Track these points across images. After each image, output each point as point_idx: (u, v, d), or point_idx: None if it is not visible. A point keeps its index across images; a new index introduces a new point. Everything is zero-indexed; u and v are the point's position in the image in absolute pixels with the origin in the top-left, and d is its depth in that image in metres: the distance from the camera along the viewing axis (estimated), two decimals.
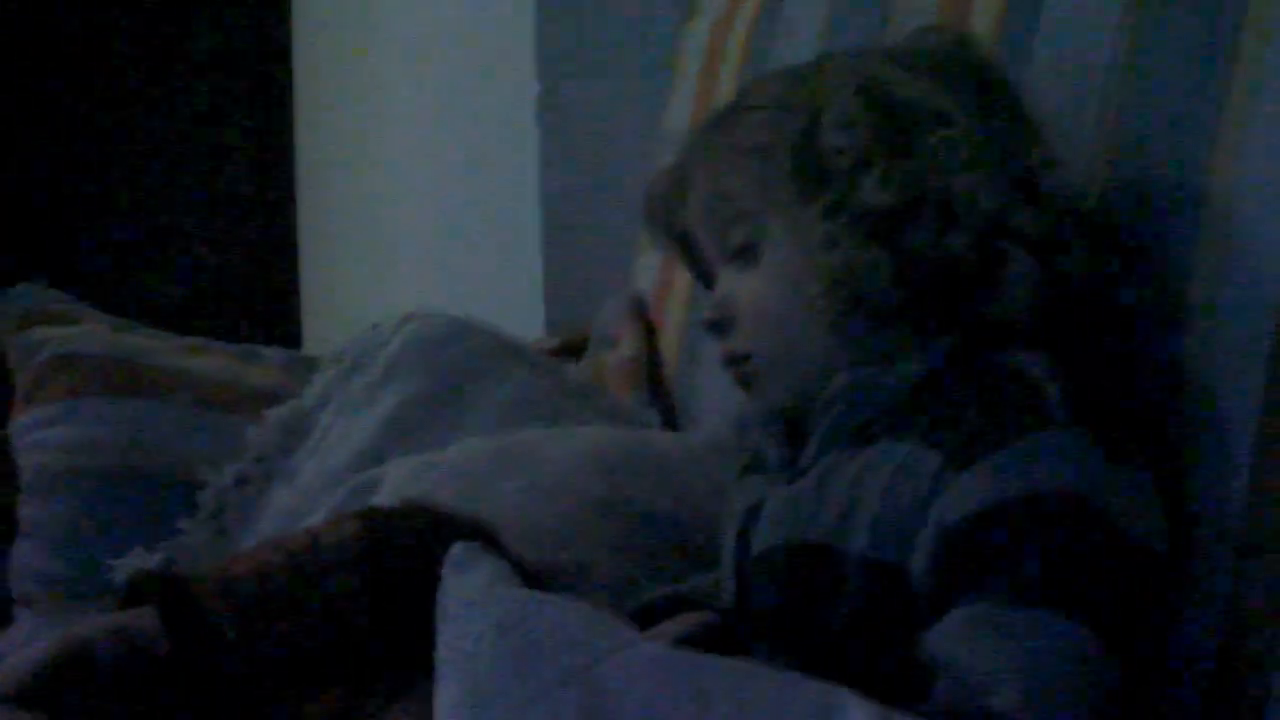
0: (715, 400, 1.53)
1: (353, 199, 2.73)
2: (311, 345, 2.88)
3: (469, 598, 0.84)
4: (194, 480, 1.45)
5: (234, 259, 3.05)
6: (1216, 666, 0.99)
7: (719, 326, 1.08)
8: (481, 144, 2.26)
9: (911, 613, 0.97)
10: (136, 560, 1.40)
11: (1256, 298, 1.00)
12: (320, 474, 1.42)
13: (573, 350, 1.72)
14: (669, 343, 1.62)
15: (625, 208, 1.77)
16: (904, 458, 0.98)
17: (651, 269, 1.67)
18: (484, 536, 1.11)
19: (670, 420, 1.57)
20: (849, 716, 0.83)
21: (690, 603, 1.14)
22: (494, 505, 1.21)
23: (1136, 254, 1.06)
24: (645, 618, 1.12)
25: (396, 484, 1.27)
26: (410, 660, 1.05)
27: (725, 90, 1.57)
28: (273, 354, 1.57)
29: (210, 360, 1.54)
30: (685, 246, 1.13)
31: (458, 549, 0.87)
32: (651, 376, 1.61)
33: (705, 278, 1.13)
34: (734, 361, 1.08)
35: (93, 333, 1.53)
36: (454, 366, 1.46)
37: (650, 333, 1.64)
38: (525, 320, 1.99)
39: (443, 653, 0.83)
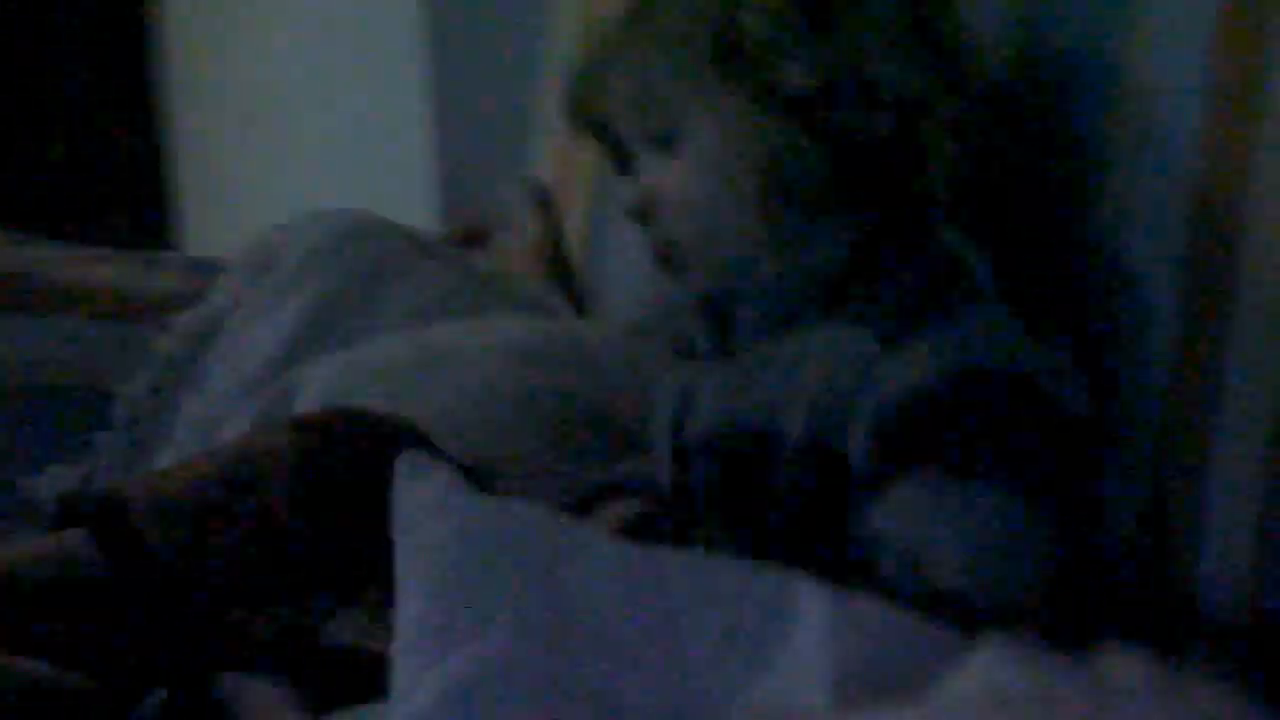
0: (623, 285, 1.53)
1: (227, 90, 2.66)
2: (194, 248, 2.81)
3: (426, 506, 0.84)
4: (104, 392, 1.43)
5: (97, 161, 2.96)
6: (1140, 532, 1.02)
7: (643, 215, 1.08)
8: (363, 32, 2.22)
9: (850, 492, 0.99)
10: (54, 478, 1.37)
11: (1171, 170, 1.02)
12: (233, 379, 1.40)
13: (474, 239, 1.71)
14: (572, 228, 1.61)
15: (515, 92, 1.76)
16: (837, 339, 0.99)
17: (549, 155, 1.66)
18: (417, 439, 1.11)
19: (578, 306, 1.57)
20: (804, 601, 0.84)
21: (623, 489, 1.16)
22: (421, 406, 1.21)
23: (1052, 130, 1.07)
24: (580, 508, 1.13)
25: (320, 387, 1.26)
26: (350, 569, 1.06)
27: None
28: (175, 259, 1.55)
29: (110, 269, 1.51)
30: (604, 135, 1.12)
31: (407, 457, 0.87)
32: (556, 262, 1.60)
33: (624, 166, 1.13)
34: (659, 248, 1.08)
35: None
36: (363, 264, 1.45)
37: (552, 218, 1.63)
38: (418, 212, 1.96)
39: (403, 563, 0.83)
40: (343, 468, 1.08)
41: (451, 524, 0.83)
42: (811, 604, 0.84)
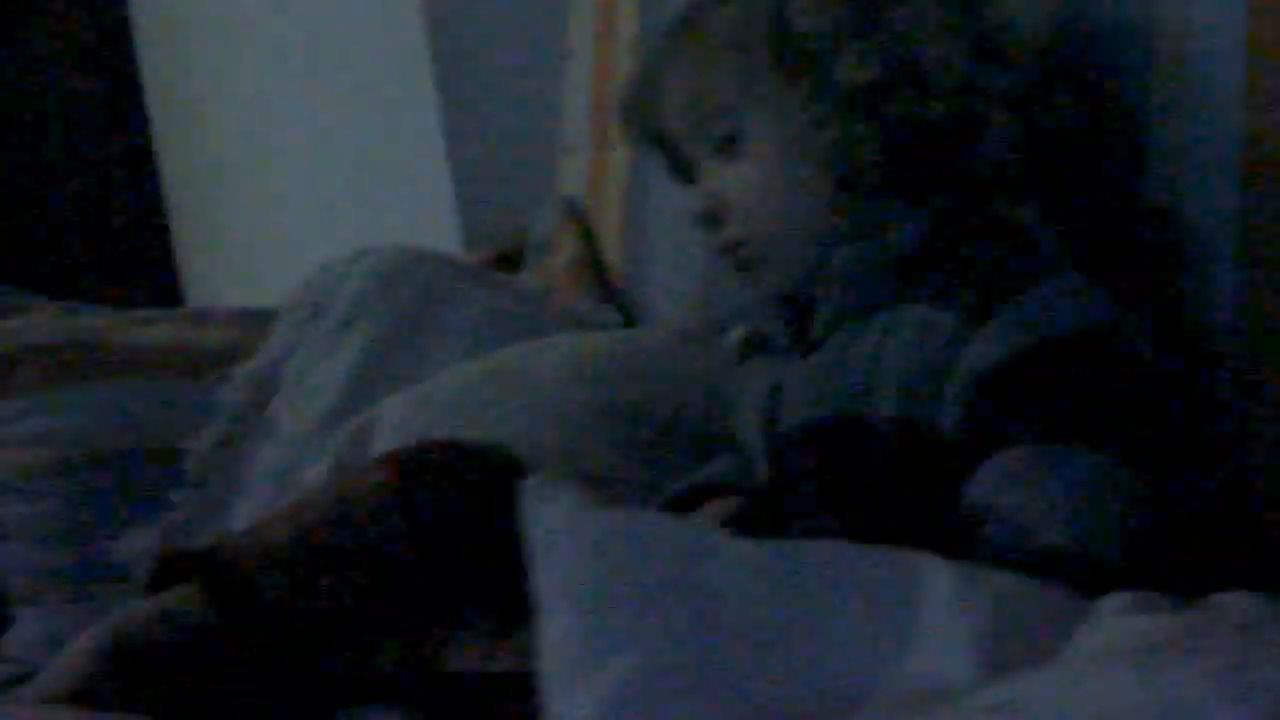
0: (667, 294, 1.55)
1: (224, 137, 2.66)
2: (196, 298, 2.81)
3: (559, 525, 0.85)
4: (174, 451, 1.44)
5: (94, 217, 2.96)
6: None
7: (711, 219, 1.10)
8: (368, 63, 2.21)
9: (945, 469, 1.01)
10: (137, 540, 1.39)
11: (1218, 126, 1.04)
12: (301, 424, 1.42)
13: (507, 262, 1.73)
14: (609, 242, 1.63)
15: (532, 111, 1.78)
16: (920, 320, 1.01)
17: (579, 171, 1.67)
18: (507, 462, 1.13)
19: (626, 318, 1.59)
20: (928, 576, 0.86)
21: (710, 491, 1.18)
22: (497, 430, 1.23)
23: (1099, 97, 1.10)
24: (675, 512, 1.15)
25: (396, 423, 1.28)
26: (462, 596, 1.07)
27: None
28: (221, 312, 1.56)
29: (162, 329, 1.52)
30: (662, 145, 1.14)
31: (533, 481, 0.88)
32: (597, 277, 1.62)
33: (681, 173, 1.15)
34: (729, 250, 1.11)
35: (42, 321, 1.50)
36: (413, 296, 1.47)
37: (588, 234, 1.65)
38: (438, 240, 1.98)
39: (543, 585, 0.84)
40: (445, 498, 1.09)
41: (587, 539, 0.84)
42: (936, 579, 0.86)
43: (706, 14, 1.09)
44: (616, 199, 1.61)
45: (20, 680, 1.35)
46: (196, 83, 2.68)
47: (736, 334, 1.20)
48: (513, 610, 1.05)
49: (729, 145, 1.08)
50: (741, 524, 1.08)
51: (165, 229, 2.95)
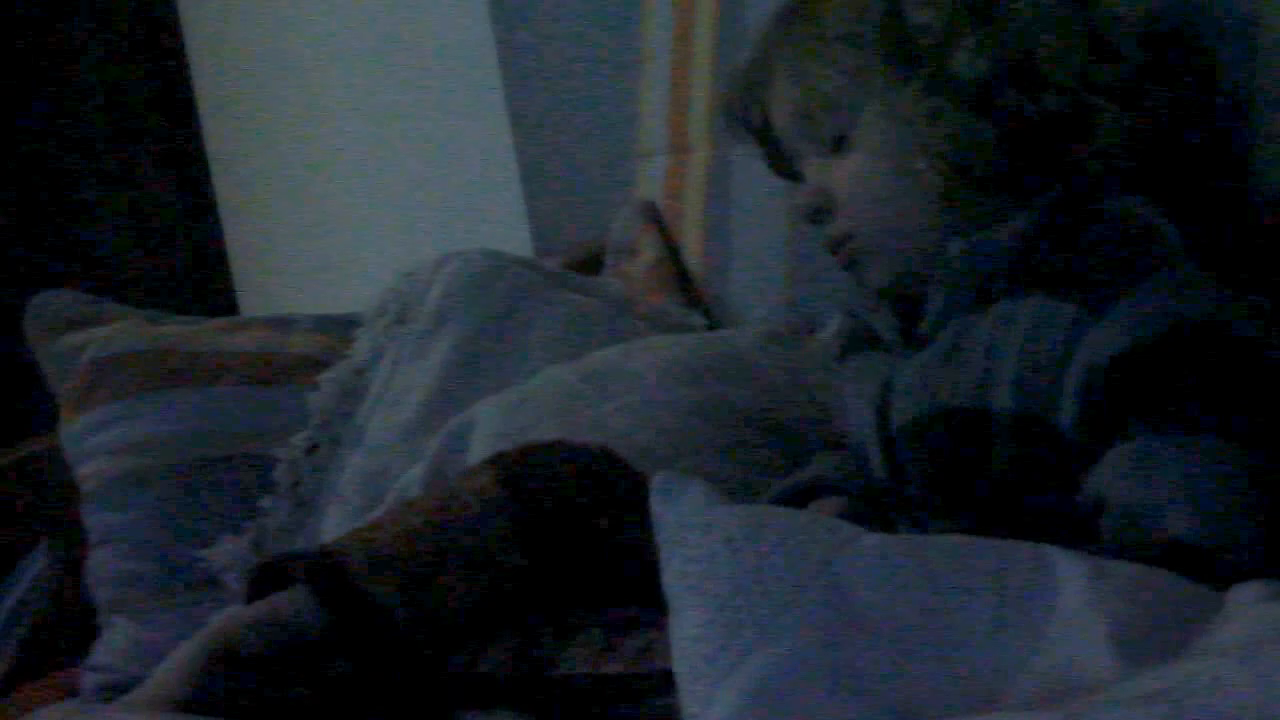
0: (750, 295, 1.55)
1: (279, 145, 2.64)
2: (249, 308, 2.80)
3: (689, 522, 0.85)
4: (263, 457, 1.44)
5: (150, 229, 2.96)
6: None
7: (819, 213, 1.10)
8: (432, 66, 2.19)
9: (1063, 461, 1.00)
10: (228, 547, 1.39)
11: None
12: (390, 430, 1.41)
13: (585, 266, 1.72)
14: (690, 244, 1.63)
15: (600, 116, 1.77)
16: (1037, 313, 1.00)
17: (658, 173, 1.67)
18: (610, 464, 1.12)
19: (709, 320, 1.58)
20: (1061, 570, 0.85)
21: (813, 491, 1.17)
22: (596, 432, 1.22)
23: (1206, 87, 1.09)
24: None
25: (492, 427, 1.27)
26: (572, 598, 1.07)
27: None
28: (304, 319, 1.56)
29: (247, 335, 1.52)
30: (765, 140, 1.14)
31: (661, 478, 0.88)
32: (679, 279, 1.62)
33: (788, 169, 1.15)
34: (837, 245, 1.10)
35: (128, 330, 1.50)
36: (499, 301, 1.46)
37: (668, 236, 1.65)
38: (509, 248, 1.97)
39: (674, 581, 0.84)
40: (547, 499, 1.09)
41: (718, 535, 0.84)
42: (1069, 572, 0.85)
43: (815, 6, 1.08)
44: (696, 201, 1.61)
45: (110, 689, 1.35)
46: (247, 91, 2.67)
47: (835, 330, 1.19)
48: (622, 611, 1.04)
49: (837, 141, 1.08)
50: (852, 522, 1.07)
51: (219, 238, 2.95)
